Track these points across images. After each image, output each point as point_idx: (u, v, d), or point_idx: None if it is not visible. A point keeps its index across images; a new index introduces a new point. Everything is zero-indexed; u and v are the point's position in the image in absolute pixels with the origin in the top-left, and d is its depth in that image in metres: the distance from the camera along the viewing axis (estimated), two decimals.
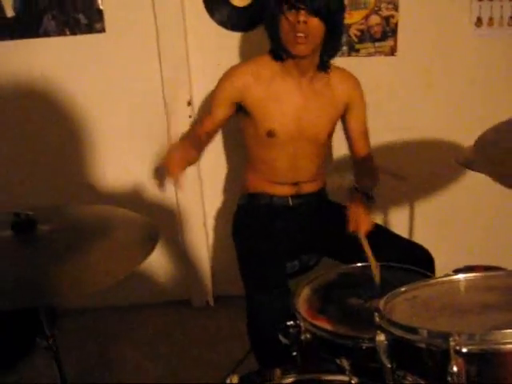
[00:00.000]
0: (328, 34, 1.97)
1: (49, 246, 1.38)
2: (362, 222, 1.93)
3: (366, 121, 2.24)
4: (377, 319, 1.26)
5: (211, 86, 2.78)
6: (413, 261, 1.84)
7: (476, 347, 1.10)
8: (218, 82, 2.15)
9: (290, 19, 1.91)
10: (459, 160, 2.20)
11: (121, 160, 2.96)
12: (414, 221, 2.95)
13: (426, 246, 2.07)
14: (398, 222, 2.96)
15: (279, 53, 2.06)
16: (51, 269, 1.30)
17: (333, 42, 2.04)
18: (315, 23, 1.91)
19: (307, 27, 1.90)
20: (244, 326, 2.00)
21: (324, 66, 2.10)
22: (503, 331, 1.10)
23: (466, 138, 1.68)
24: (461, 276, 1.41)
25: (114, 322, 3.03)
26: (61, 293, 1.25)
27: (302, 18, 1.88)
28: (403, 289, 1.38)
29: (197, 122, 2.16)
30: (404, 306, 1.33)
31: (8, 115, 2.89)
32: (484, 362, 1.12)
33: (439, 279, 1.43)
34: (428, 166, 2.84)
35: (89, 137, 2.91)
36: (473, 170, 2.01)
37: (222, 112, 2.13)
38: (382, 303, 1.31)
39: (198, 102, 2.84)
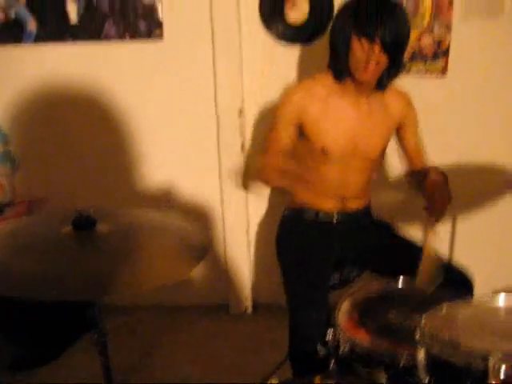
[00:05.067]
0: (392, 62, 1.97)
1: (106, 245, 1.45)
2: (437, 206, 1.98)
3: (420, 137, 2.25)
4: (417, 335, 1.29)
5: (262, 96, 2.83)
6: (452, 284, 1.81)
7: None
8: (278, 109, 2.10)
9: (365, 47, 1.91)
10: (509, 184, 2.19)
11: (167, 166, 3.05)
12: (455, 238, 2.93)
13: (466, 264, 2.07)
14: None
15: (341, 74, 2.05)
16: (109, 266, 1.37)
17: (396, 68, 2.03)
18: (385, 57, 1.93)
19: (380, 57, 1.91)
20: (280, 335, 2.02)
21: (382, 87, 2.09)
22: None
23: None
24: (501, 297, 1.44)
25: (152, 321, 3.11)
26: (117, 289, 1.30)
27: (377, 50, 1.89)
28: (444, 307, 1.42)
29: (265, 151, 2.11)
30: (444, 324, 1.36)
31: (68, 116, 3.01)
32: None
33: (479, 299, 1.46)
34: (474, 187, 2.78)
35: (141, 141, 3.02)
36: None
37: (286, 135, 2.08)
38: (423, 320, 1.34)
39: (249, 111, 2.91)
